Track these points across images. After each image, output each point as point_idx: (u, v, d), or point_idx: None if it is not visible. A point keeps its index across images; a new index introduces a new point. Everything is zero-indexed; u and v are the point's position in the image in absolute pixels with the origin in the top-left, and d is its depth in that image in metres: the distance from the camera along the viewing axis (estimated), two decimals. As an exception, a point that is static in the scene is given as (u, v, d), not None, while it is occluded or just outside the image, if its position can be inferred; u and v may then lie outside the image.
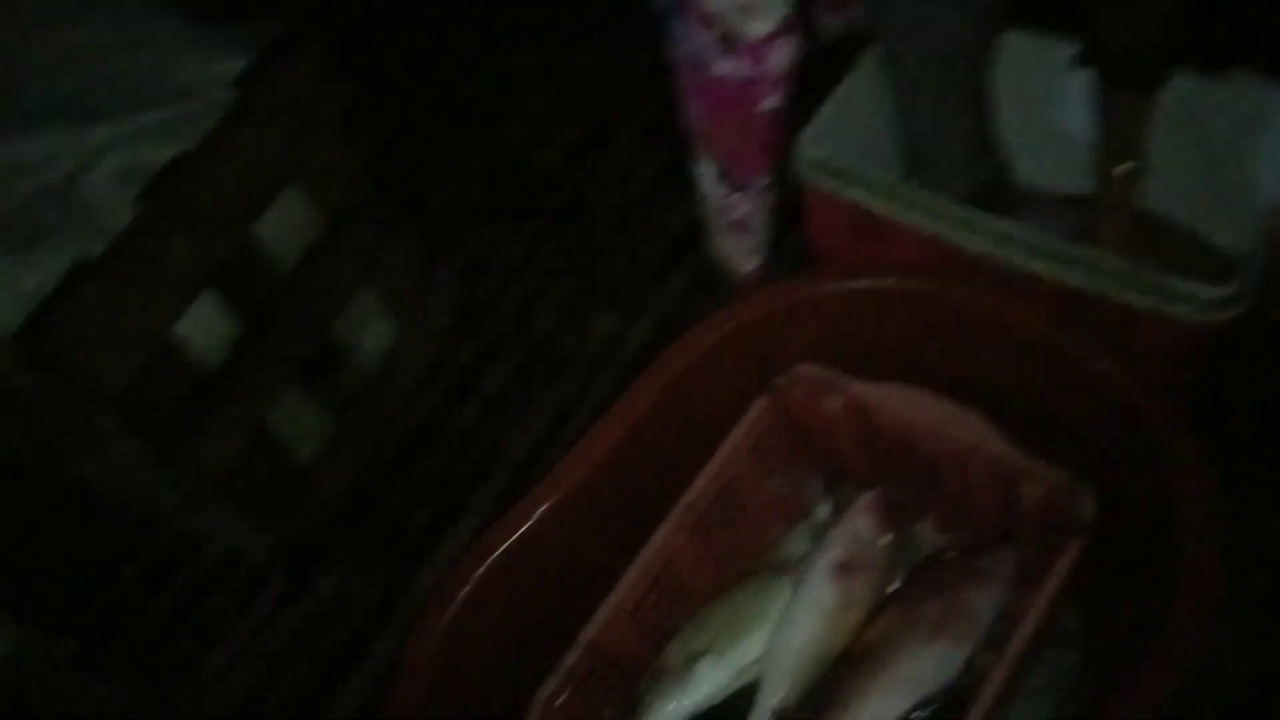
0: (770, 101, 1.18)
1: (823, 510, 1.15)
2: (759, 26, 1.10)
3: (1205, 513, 0.87)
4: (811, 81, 1.21)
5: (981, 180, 1.19)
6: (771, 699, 0.98)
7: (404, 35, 2.08)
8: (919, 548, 1.12)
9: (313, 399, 1.40)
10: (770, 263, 1.43)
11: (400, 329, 1.51)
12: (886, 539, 1.05)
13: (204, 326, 1.22)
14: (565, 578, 1.03)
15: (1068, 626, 1.06)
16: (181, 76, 1.24)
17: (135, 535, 1.51)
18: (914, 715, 0.95)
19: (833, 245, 1.23)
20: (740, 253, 1.41)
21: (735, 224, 1.37)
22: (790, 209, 1.32)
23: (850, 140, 1.18)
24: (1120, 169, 1.09)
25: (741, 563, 1.17)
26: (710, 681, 1.01)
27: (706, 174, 1.33)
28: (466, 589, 0.97)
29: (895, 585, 1.06)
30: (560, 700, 1.01)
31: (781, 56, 1.14)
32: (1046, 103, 1.26)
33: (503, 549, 0.98)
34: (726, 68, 1.15)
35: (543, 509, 1.00)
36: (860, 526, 1.05)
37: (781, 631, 1.01)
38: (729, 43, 1.12)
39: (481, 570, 0.98)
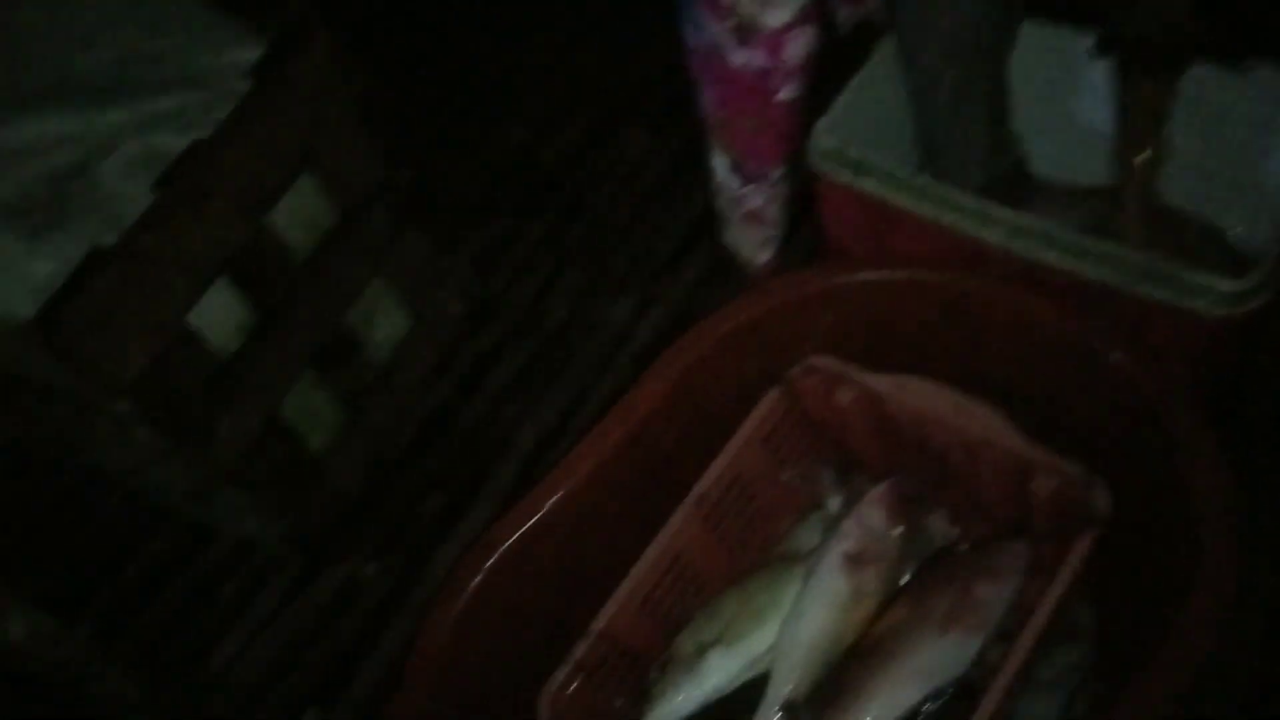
0: (787, 92, 1.18)
1: (834, 502, 1.14)
2: (777, 16, 1.10)
3: (1221, 508, 0.86)
4: (827, 72, 1.20)
5: (997, 173, 1.18)
6: (782, 690, 0.98)
7: (413, 27, 2.08)
8: (931, 540, 1.12)
9: (325, 389, 1.40)
10: (783, 254, 1.43)
11: (412, 319, 1.51)
12: (898, 531, 1.05)
13: (217, 315, 1.23)
14: (576, 568, 1.03)
15: (1079, 620, 1.06)
16: (194, 64, 1.24)
17: (148, 523, 1.52)
18: (924, 707, 0.95)
19: (846, 236, 1.23)
20: (754, 244, 1.40)
21: (749, 215, 1.36)
22: (804, 200, 1.32)
23: (865, 131, 1.18)
24: (1140, 157, 1.08)
25: (752, 554, 1.16)
26: (720, 672, 1.01)
27: (721, 165, 1.32)
28: (478, 579, 0.97)
29: (907, 577, 1.06)
30: (571, 690, 1.02)
31: (799, 46, 1.13)
32: (1064, 94, 1.25)
33: (514, 539, 0.98)
34: (743, 58, 1.14)
35: (554, 499, 1.00)
36: (872, 518, 1.04)
37: (792, 623, 1.01)
38: (746, 33, 1.12)
39: (493, 560, 0.98)
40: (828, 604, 1.00)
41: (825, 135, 1.15)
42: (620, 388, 1.32)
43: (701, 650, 1.02)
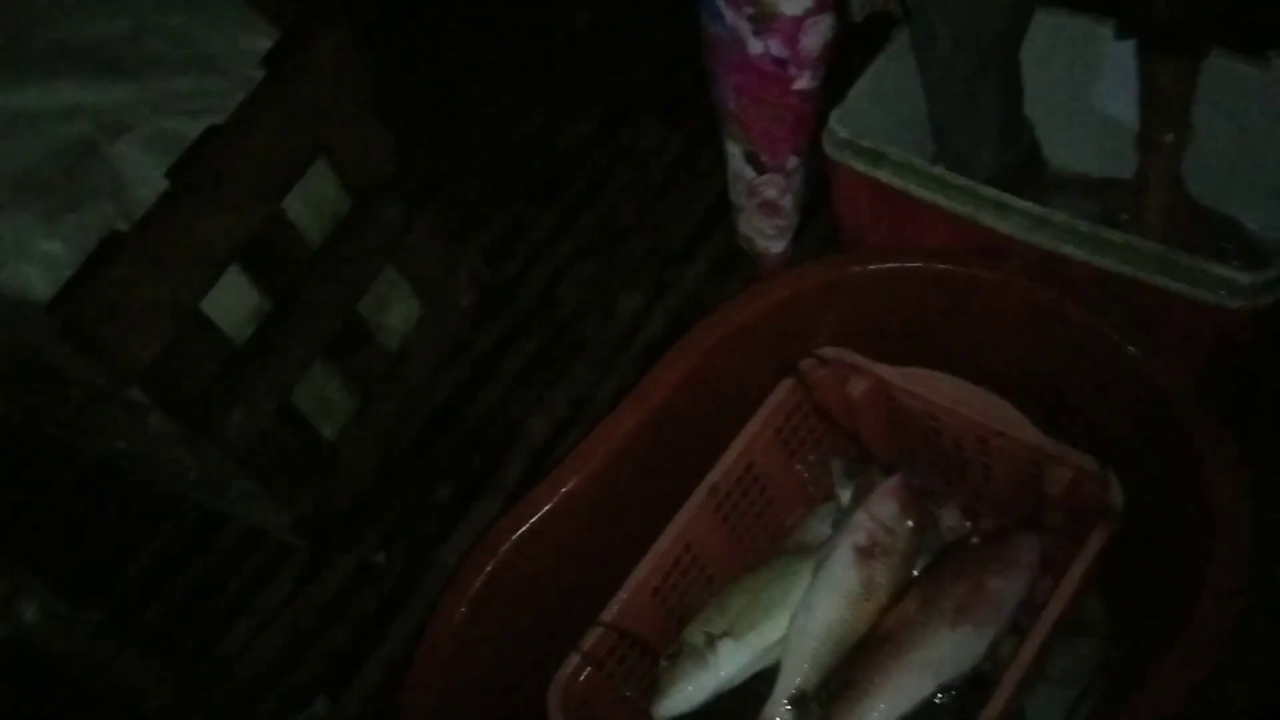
0: (804, 82, 1.17)
1: (846, 494, 1.14)
2: (797, 4, 1.09)
3: (1235, 503, 0.86)
4: (840, 62, 1.20)
5: (1010, 159, 1.17)
6: (792, 681, 0.98)
7: (428, 15, 2.08)
8: (942, 533, 1.11)
9: (336, 377, 1.40)
10: (797, 244, 1.42)
11: (424, 308, 1.51)
12: (909, 524, 1.04)
13: (230, 303, 1.23)
14: (587, 557, 1.03)
15: (1091, 614, 1.05)
16: (209, 45, 1.23)
17: (159, 510, 1.52)
18: (935, 700, 0.95)
19: (860, 226, 1.22)
20: (768, 234, 1.40)
21: (764, 205, 1.36)
22: (818, 189, 1.31)
23: (880, 120, 1.17)
24: (1162, 139, 1.07)
25: (763, 545, 1.16)
26: (730, 663, 1.01)
27: (736, 155, 1.32)
28: (489, 568, 0.97)
29: (918, 570, 1.06)
30: (581, 679, 1.02)
31: (817, 35, 1.13)
32: (1083, 84, 1.24)
33: (526, 528, 0.98)
34: (760, 47, 1.14)
35: (566, 489, 1.00)
36: (883, 511, 1.04)
37: (802, 614, 1.01)
38: (764, 21, 1.11)
39: (504, 550, 0.98)
40: (838, 596, 1.00)
41: (840, 125, 1.14)
42: (632, 378, 1.32)
43: (711, 641, 1.02)
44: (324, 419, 1.41)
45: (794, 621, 1.01)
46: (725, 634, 1.02)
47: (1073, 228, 1.03)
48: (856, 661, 0.98)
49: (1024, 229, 1.05)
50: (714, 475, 1.07)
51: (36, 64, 1.20)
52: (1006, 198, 1.05)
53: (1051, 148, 1.24)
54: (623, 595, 1.03)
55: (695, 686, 1.01)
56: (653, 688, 1.03)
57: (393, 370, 1.48)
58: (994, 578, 0.99)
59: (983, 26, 1.11)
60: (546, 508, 0.99)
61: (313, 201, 1.30)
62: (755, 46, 1.14)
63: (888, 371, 1.07)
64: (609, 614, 1.02)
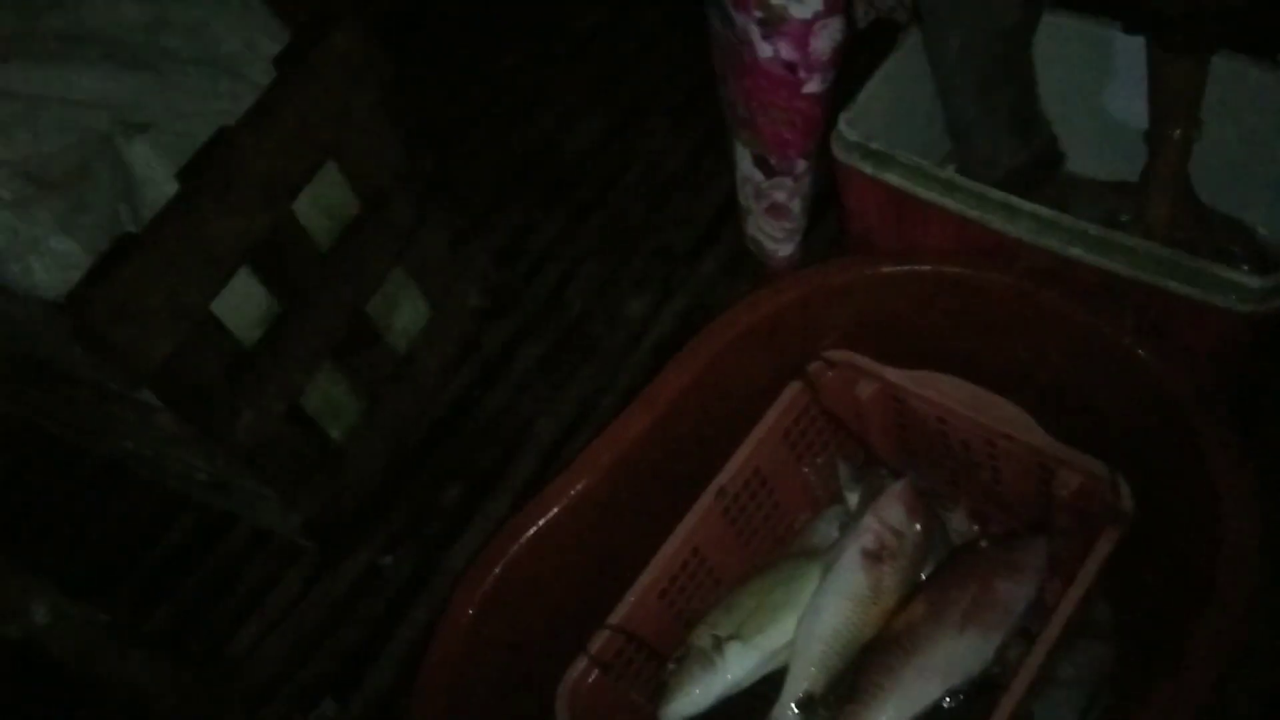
0: (813, 85, 1.17)
1: (853, 497, 1.14)
2: (807, 7, 1.09)
3: (1245, 505, 0.86)
4: (848, 65, 1.20)
5: (1027, 159, 1.17)
6: (799, 685, 0.98)
7: (436, 17, 2.08)
8: (950, 536, 1.11)
9: (345, 378, 1.40)
10: (805, 247, 1.42)
11: (432, 310, 1.51)
12: (917, 527, 1.04)
13: (240, 304, 1.23)
14: (595, 559, 1.03)
15: (1099, 618, 1.05)
16: (224, 43, 1.23)
17: (169, 510, 1.53)
18: (944, 704, 0.94)
19: (869, 229, 1.22)
20: (776, 236, 1.40)
21: (773, 208, 1.36)
22: (826, 192, 1.31)
23: (889, 124, 1.17)
24: (1171, 135, 1.06)
25: (770, 548, 1.16)
26: (737, 666, 1.01)
27: (745, 158, 1.32)
28: (497, 570, 0.97)
29: (926, 574, 1.06)
30: (588, 683, 1.02)
31: (827, 39, 1.12)
32: (1093, 87, 1.24)
33: (534, 530, 0.99)
34: (770, 50, 1.14)
35: (574, 491, 1.00)
36: (891, 514, 1.04)
37: (810, 618, 1.00)
38: (772, 25, 1.11)
39: (513, 551, 0.98)
40: (846, 599, 1.00)
41: (849, 128, 1.14)
42: (640, 379, 1.32)
43: (719, 644, 1.02)
44: (332, 420, 1.41)
45: (801, 625, 1.01)
46: (733, 637, 1.02)
47: (1081, 231, 1.02)
48: (864, 665, 0.98)
49: (1033, 232, 1.04)
50: (722, 478, 1.07)
51: (55, 47, 1.18)
52: (1015, 201, 1.05)
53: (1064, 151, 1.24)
54: (630, 598, 1.03)
55: (702, 690, 1.00)
56: (660, 691, 1.03)
57: (401, 372, 1.49)
58: (1002, 581, 0.99)
59: (993, 25, 1.11)
60: (555, 510, 0.99)
61: (322, 203, 1.30)
62: (765, 50, 1.14)
63: (896, 374, 1.07)
64: (616, 616, 1.02)
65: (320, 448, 1.39)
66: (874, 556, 1.02)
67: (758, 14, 1.11)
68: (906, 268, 1.07)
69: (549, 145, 1.83)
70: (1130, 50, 1.13)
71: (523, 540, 0.98)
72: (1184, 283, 0.99)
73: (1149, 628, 0.98)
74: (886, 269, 1.08)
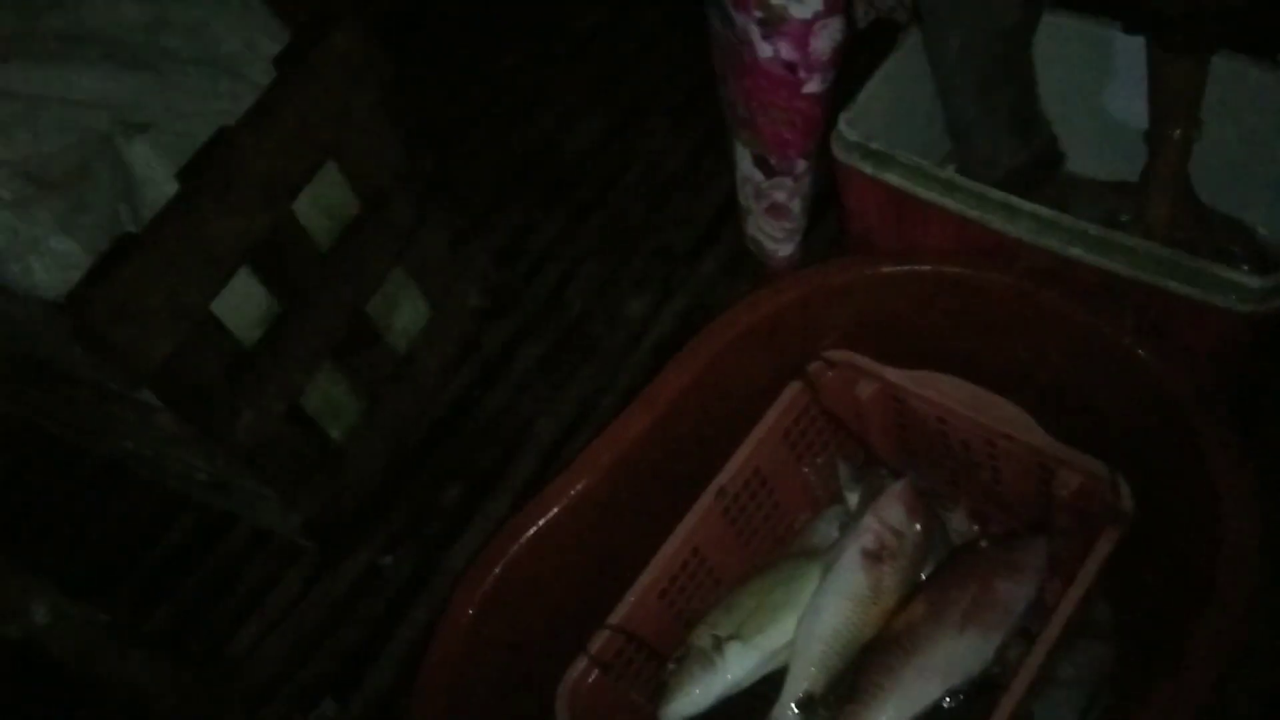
0: (813, 85, 1.17)
1: (853, 497, 1.14)
2: (805, 7, 1.09)
3: (1245, 506, 0.86)
4: (847, 65, 1.20)
5: (1027, 158, 1.17)
6: (799, 685, 0.98)
7: (436, 16, 2.08)
8: (950, 536, 1.11)
9: (345, 378, 1.40)
10: (805, 247, 1.42)
11: (432, 309, 1.51)
12: (917, 527, 1.04)
13: (240, 304, 1.23)
14: (595, 559, 1.03)
15: (1099, 618, 1.05)
16: (224, 44, 1.23)
17: (169, 509, 1.53)
18: (944, 704, 0.94)
19: (869, 229, 1.22)
20: (776, 236, 1.40)
21: (773, 208, 1.36)
22: (826, 192, 1.31)
23: (889, 123, 1.17)
24: (1171, 135, 1.06)
25: (770, 548, 1.16)
26: (737, 666, 1.01)
27: (745, 158, 1.32)
28: (497, 570, 0.97)
29: (925, 574, 1.06)
30: (588, 683, 1.02)
31: (826, 39, 1.12)
32: (1093, 88, 1.24)
33: (534, 530, 0.99)
34: (771, 50, 1.14)
35: (574, 490, 1.00)
36: (891, 514, 1.04)
37: (810, 618, 1.01)
38: (772, 25, 1.11)
39: (513, 551, 0.98)
40: (846, 599, 1.00)
41: (849, 128, 1.14)
42: (640, 379, 1.32)
43: (719, 644, 1.02)
44: (332, 420, 1.41)
45: (801, 625, 1.01)
46: (733, 637, 1.02)
47: (1081, 231, 1.02)
48: (864, 665, 0.98)
49: (1033, 232, 1.04)
50: (722, 478, 1.07)
51: (55, 47, 1.18)
52: (1015, 201, 1.05)
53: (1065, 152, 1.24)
54: (630, 598, 1.03)
55: (702, 690, 1.01)
56: (660, 691, 1.03)
57: (401, 371, 1.49)
58: (1002, 581, 0.99)
59: (993, 24, 1.11)
60: (555, 509, 0.99)
61: (322, 203, 1.30)
62: (765, 50, 1.14)
63: (896, 374, 1.07)
64: (616, 616, 1.02)
65: (320, 448, 1.39)
66: (874, 556, 1.02)
67: (758, 14, 1.11)
68: (906, 268, 1.07)
69: (549, 145, 1.83)
70: (1130, 50, 1.13)
71: (523, 540, 0.98)
72: (1184, 283, 0.99)
73: (1149, 628, 0.98)
74: (886, 269, 1.08)
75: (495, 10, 2.06)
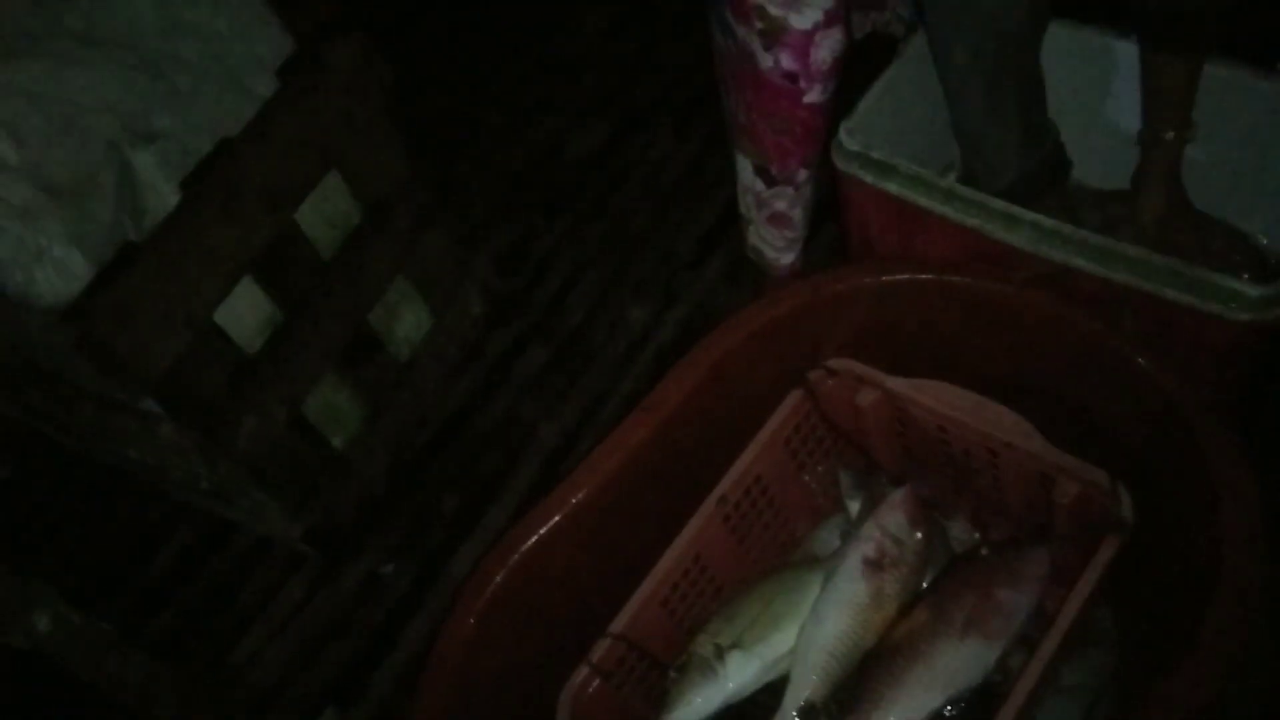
0: (814, 95, 1.17)
1: (854, 505, 1.14)
2: (807, 18, 1.09)
3: (1246, 513, 0.86)
4: (847, 75, 1.20)
5: (1034, 165, 1.17)
6: (800, 694, 0.98)
7: (438, 24, 2.09)
8: (951, 544, 1.11)
9: (347, 387, 1.41)
10: (806, 255, 1.42)
11: (434, 317, 1.52)
12: (918, 536, 1.04)
13: (243, 313, 1.23)
14: (597, 568, 1.03)
15: (1101, 626, 1.05)
16: (232, 52, 1.23)
17: (172, 518, 1.53)
18: (945, 713, 0.94)
19: (870, 238, 1.22)
20: (777, 245, 1.40)
21: (774, 217, 1.36)
22: (827, 201, 1.31)
23: (890, 132, 1.17)
24: (1164, 136, 1.07)
25: (772, 556, 1.16)
26: (739, 675, 1.01)
27: (746, 168, 1.32)
28: (499, 578, 0.97)
29: (927, 582, 1.06)
30: (590, 691, 1.02)
31: (827, 50, 1.13)
32: (1095, 97, 1.24)
33: (536, 538, 0.99)
34: (771, 61, 1.14)
35: (575, 499, 1.00)
36: (892, 522, 1.04)
37: (811, 626, 1.01)
38: (773, 36, 1.11)
39: (514, 559, 0.98)
40: (847, 608, 1.00)
41: (850, 137, 1.14)
42: (641, 387, 1.32)
43: (720, 652, 1.02)
44: (334, 429, 1.41)
45: (803, 633, 1.01)
46: (734, 645, 1.02)
47: (1082, 240, 1.03)
48: (865, 674, 0.98)
49: (1033, 241, 1.05)
50: (723, 486, 1.07)
51: (72, 47, 1.18)
52: (1016, 210, 1.05)
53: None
54: (632, 606, 1.03)
55: (704, 698, 1.01)
56: (661, 699, 1.03)
57: (403, 379, 1.49)
58: (1003, 589, 0.99)
59: (998, 31, 1.11)
60: (556, 517, 0.99)
61: (324, 212, 1.31)
62: (766, 60, 1.14)
63: (896, 383, 1.07)
64: (618, 625, 1.02)
65: (322, 456, 1.40)
66: (875, 565, 1.02)
67: (759, 25, 1.11)
68: (907, 276, 1.07)
69: (551, 153, 1.83)
70: (1130, 60, 1.13)
71: (524, 548, 0.98)
72: (1184, 291, 0.99)
73: (1151, 635, 0.98)
74: (887, 278, 1.08)
75: (497, 19, 2.07)
